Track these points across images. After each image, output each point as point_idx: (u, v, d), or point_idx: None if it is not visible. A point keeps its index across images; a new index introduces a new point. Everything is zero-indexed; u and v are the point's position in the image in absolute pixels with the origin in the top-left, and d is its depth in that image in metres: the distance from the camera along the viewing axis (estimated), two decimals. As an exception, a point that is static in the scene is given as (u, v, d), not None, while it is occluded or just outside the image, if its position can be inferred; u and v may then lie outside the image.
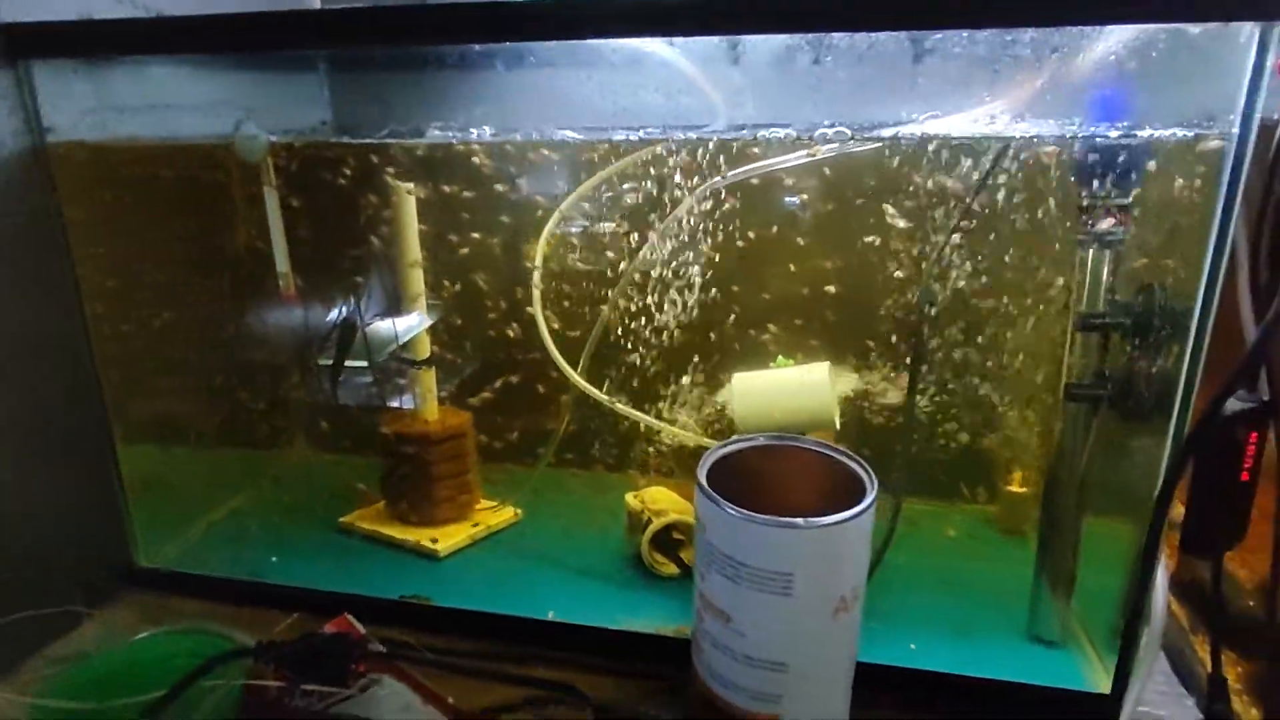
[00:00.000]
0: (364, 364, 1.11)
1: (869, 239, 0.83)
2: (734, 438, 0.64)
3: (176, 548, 0.96)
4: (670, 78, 0.95)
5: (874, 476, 0.59)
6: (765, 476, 0.63)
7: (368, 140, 0.95)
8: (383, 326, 1.13)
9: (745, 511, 0.55)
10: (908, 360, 0.80)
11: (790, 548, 0.55)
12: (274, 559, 0.93)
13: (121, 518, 0.90)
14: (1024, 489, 0.96)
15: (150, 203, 0.91)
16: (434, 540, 0.94)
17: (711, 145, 0.83)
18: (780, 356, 0.81)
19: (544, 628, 0.81)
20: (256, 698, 0.69)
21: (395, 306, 1.08)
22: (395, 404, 1.13)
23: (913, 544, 0.93)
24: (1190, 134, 0.62)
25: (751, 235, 0.90)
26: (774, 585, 0.55)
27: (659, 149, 0.85)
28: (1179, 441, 0.61)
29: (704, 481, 0.59)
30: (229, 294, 1.02)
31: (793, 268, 0.90)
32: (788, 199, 0.89)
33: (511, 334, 1.03)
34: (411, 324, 1.09)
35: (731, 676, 0.59)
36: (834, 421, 0.78)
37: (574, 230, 0.97)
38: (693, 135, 0.81)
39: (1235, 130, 0.55)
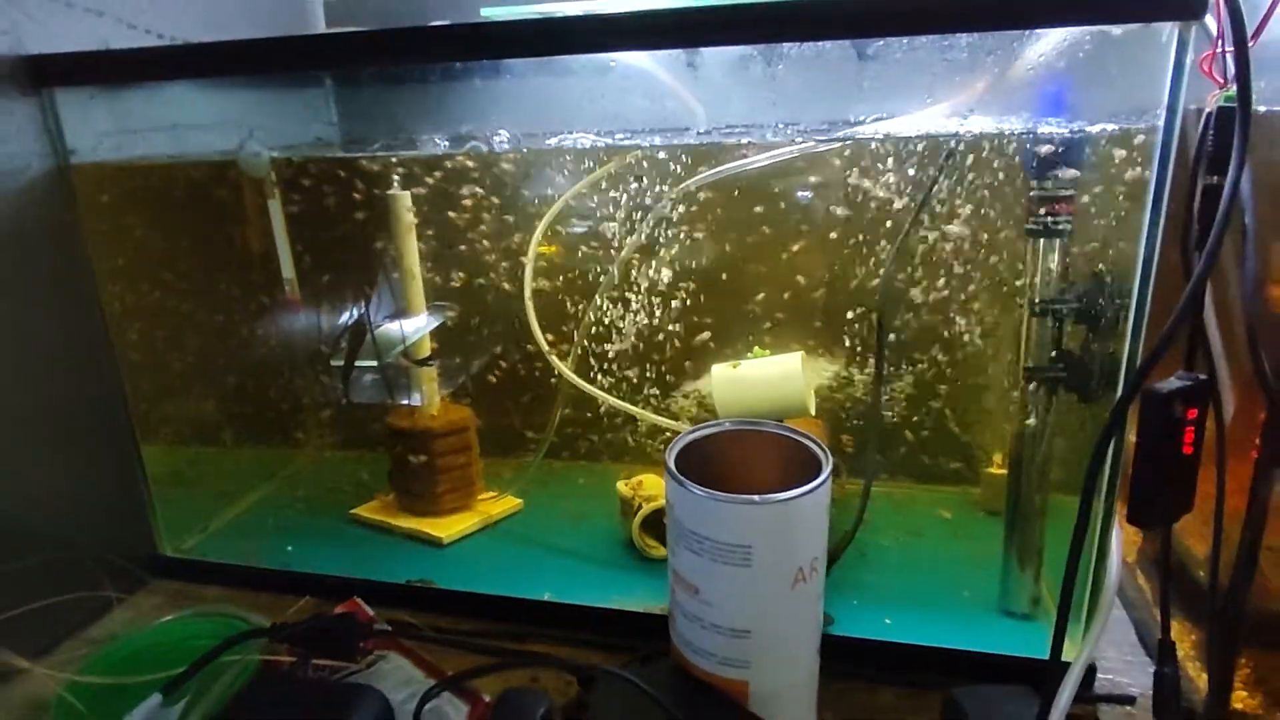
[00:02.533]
0: (374, 363, 1.17)
1: (838, 235, 0.87)
2: (701, 424, 0.69)
3: (198, 538, 1.02)
4: (649, 85, 0.99)
5: (829, 456, 0.63)
6: (731, 459, 0.68)
7: (361, 154, 1.00)
8: (391, 327, 1.19)
9: (707, 490, 0.60)
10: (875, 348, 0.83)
11: (748, 522, 0.59)
12: (289, 548, 0.99)
13: (147, 511, 0.96)
14: (1004, 470, 0.99)
15: (166, 216, 0.98)
16: (435, 528, 0.99)
17: (687, 150, 0.88)
18: (756, 347, 0.85)
19: (540, 607, 0.86)
20: (271, 672, 0.75)
21: (402, 308, 1.14)
22: (403, 401, 1.19)
23: (897, 525, 0.97)
24: (1120, 128, 0.65)
25: (729, 233, 0.94)
26: (734, 557, 0.60)
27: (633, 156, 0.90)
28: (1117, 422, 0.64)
29: (672, 465, 0.64)
30: (241, 300, 1.08)
31: (770, 264, 0.94)
32: (758, 205, 0.93)
33: (510, 332, 1.08)
34: (419, 324, 1.14)
35: (701, 644, 0.64)
36: (808, 408, 0.82)
37: (564, 231, 1.02)
38: (659, 142, 0.85)
39: (1161, 123, 0.58)
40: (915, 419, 0.95)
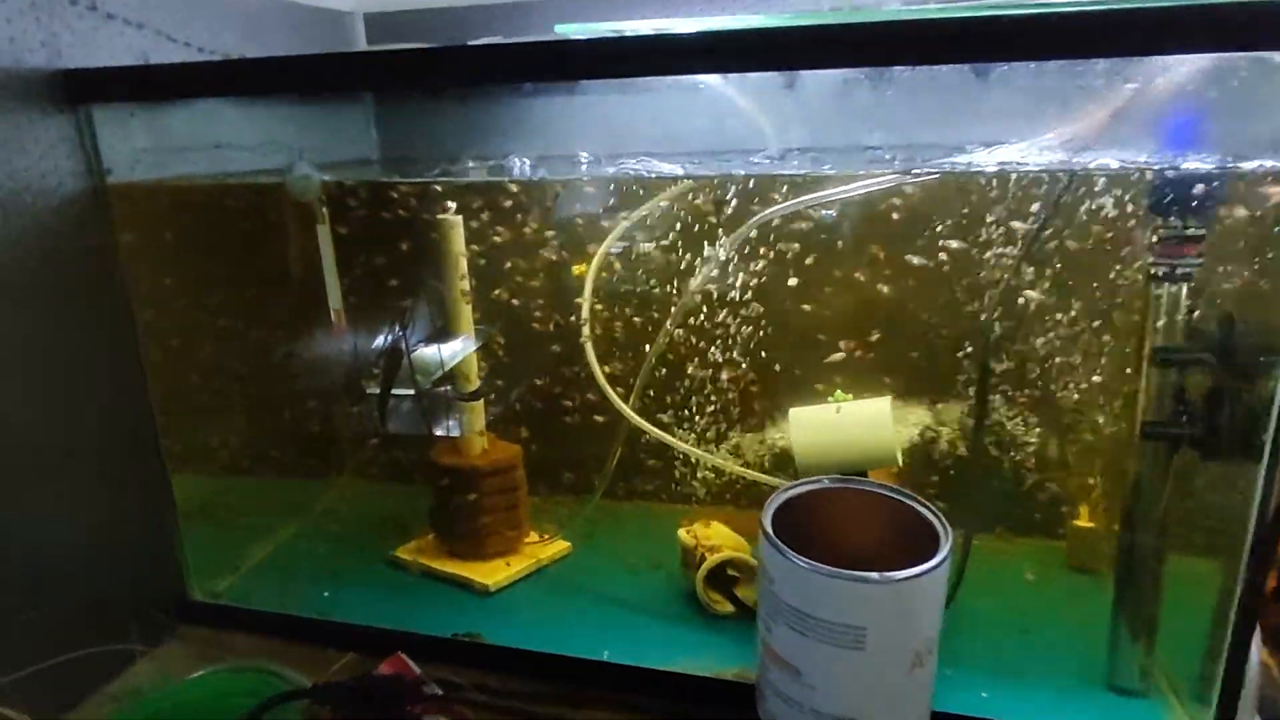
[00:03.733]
0: (411, 392, 1.11)
1: (932, 269, 0.81)
2: (797, 481, 0.62)
3: (228, 581, 0.96)
4: (719, 105, 0.95)
5: (948, 526, 0.56)
6: (830, 520, 0.61)
7: (418, 180, 0.95)
8: (429, 352, 1.13)
9: (815, 563, 0.53)
10: (972, 395, 0.77)
11: (863, 602, 0.53)
12: (325, 594, 0.93)
13: (175, 549, 0.90)
14: (1092, 523, 0.92)
15: (204, 239, 0.92)
16: (480, 574, 0.93)
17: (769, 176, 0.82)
18: (839, 391, 0.79)
19: (600, 668, 0.80)
20: (313, 742, 0.69)
21: (442, 332, 1.09)
22: (441, 432, 1.13)
23: (982, 582, 0.90)
24: (1269, 164, 0.59)
25: (808, 265, 0.88)
26: (845, 639, 0.53)
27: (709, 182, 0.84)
28: (1271, 488, 0.57)
29: (769, 529, 0.58)
30: (280, 327, 1.02)
31: (851, 299, 0.88)
32: (842, 227, 0.87)
33: (562, 364, 1.02)
34: (457, 349, 1.09)
35: (800, 731, 0.57)
36: (897, 459, 0.75)
37: (623, 259, 0.96)
38: (746, 169, 0.79)
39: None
40: (1003, 468, 0.89)
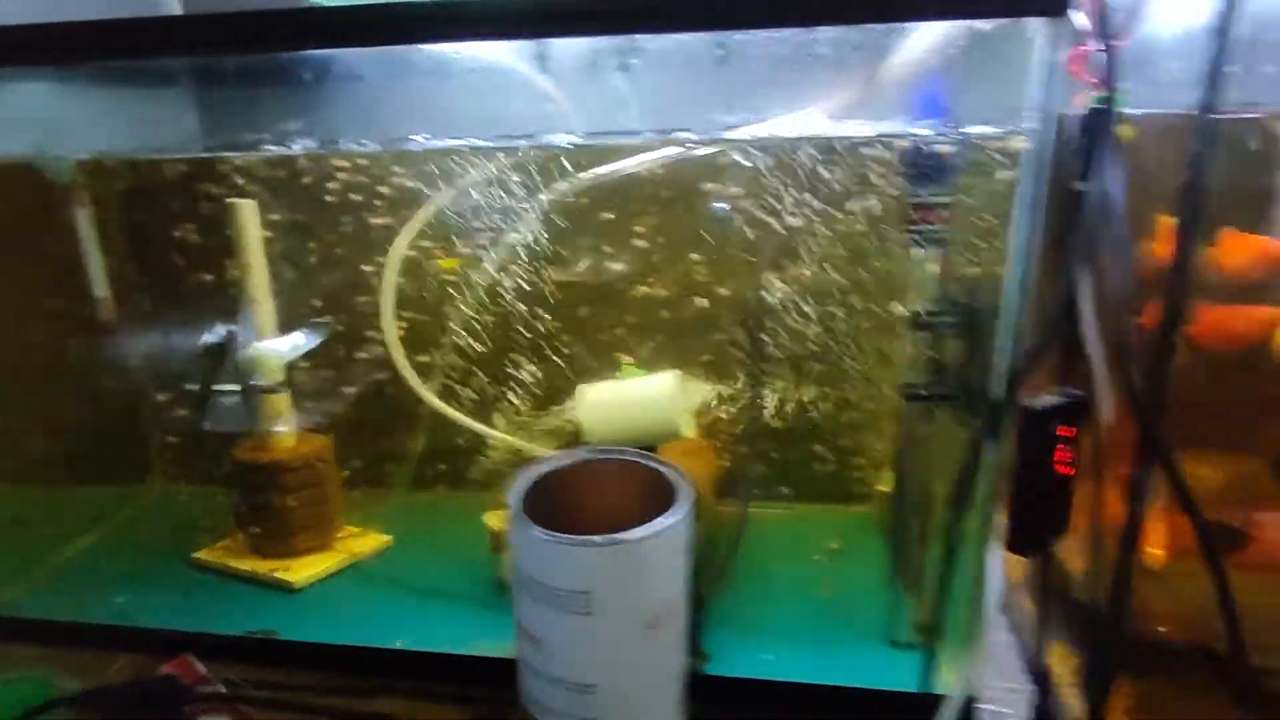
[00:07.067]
0: (236, 388, 1.07)
1: (709, 244, 0.82)
2: (547, 455, 0.62)
3: (18, 590, 0.90)
4: (503, 87, 0.93)
5: (688, 485, 0.57)
6: (586, 492, 0.61)
7: (184, 156, 0.91)
8: (262, 346, 1.09)
9: (543, 531, 0.53)
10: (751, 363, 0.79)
11: (587, 566, 0.53)
12: (119, 599, 0.88)
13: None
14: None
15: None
16: (286, 571, 0.90)
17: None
18: (625, 363, 0.79)
19: (393, 657, 0.78)
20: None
21: (261, 326, 1.05)
22: (268, 429, 1.09)
23: (782, 549, 0.92)
24: (999, 130, 0.61)
25: (590, 244, 0.88)
26: (574, 605, 0.53)
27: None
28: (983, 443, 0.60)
29: (513, 503, 0.57)
30: (56, 321, 0.96)
31: (635, 276, 0.89)
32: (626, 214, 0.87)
33: (367, 352, 1.00)
34: (298, 343, 1.05)
35: (545, 700, 0.57)
36: (681, 432, 0.76)
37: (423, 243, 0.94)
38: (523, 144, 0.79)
39: (1036, 126, 0.54)
40: (803, 435, 0.91)
